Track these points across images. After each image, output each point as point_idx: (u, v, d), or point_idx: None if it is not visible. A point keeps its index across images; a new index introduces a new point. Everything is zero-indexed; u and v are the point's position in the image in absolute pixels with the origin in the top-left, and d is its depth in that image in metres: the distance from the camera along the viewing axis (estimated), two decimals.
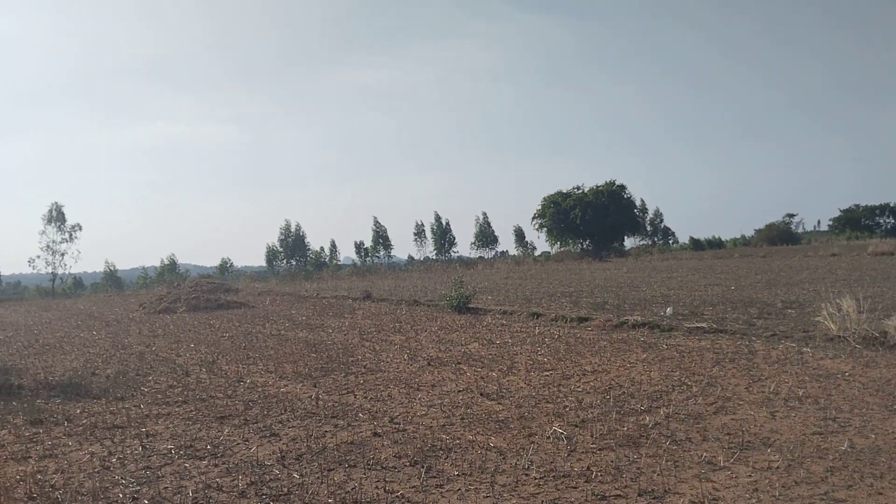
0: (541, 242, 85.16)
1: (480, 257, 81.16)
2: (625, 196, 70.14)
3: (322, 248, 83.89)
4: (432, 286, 30.71)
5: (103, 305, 34.58)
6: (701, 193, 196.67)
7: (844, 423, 7.33)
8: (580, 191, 70.59)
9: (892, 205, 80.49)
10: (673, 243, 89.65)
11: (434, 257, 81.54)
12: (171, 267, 75.77)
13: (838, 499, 5.35)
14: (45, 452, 7.68)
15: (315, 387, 10.65)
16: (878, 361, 10.22)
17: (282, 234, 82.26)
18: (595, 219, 67.10)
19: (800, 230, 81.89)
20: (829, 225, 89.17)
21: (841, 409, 7.83)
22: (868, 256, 39.23)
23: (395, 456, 6.92)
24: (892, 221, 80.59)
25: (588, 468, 6.25)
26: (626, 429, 7.43)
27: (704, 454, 6.51)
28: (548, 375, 10.53)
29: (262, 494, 6.00)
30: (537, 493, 5.72)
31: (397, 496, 5.82)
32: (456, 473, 6.30)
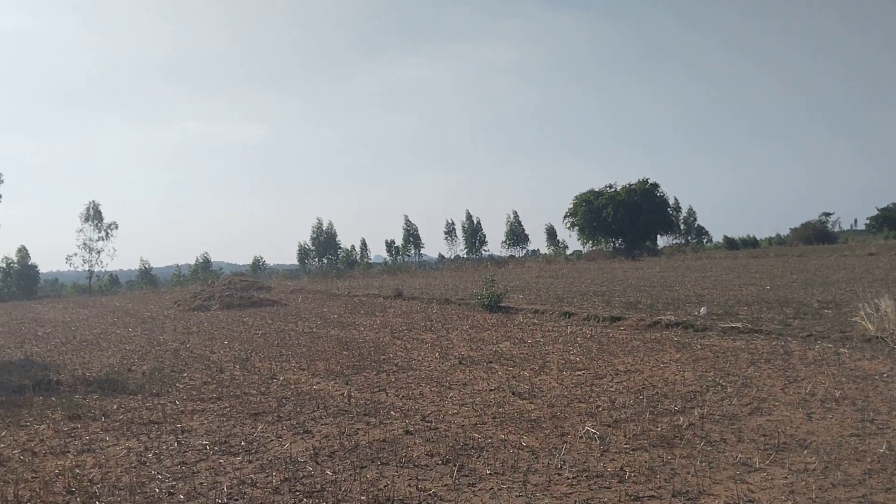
0: (572, 241, 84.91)
1: (511, 256, 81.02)
2: (658, 194, 69.56)
3: (353, 247, 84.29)
4: (463, 285, 30.70)
5: (139, 303, 35.07)
6: (735, 192, 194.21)
7: (882, 424, 7.20)
8: (612, 189, 70.14)
9: None
10: (707, 242, 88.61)
11: (465, 256, 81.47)
12: (205, 265, 76.49)
13: (876, 502, 5.26)
14: (83, 447, 7.82)
15: (347, 384, 10.71)
16: None
17: (314, 232, 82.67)
18: (627, 217, 66.65)
19: (836, 229, 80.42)
20: (866, 224, 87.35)
21: (879, 411, 7.69)
22: None
23: (427, 454, 6.93)
24: None
25: (621, 468, 6.21)
26: (659, 429, 7.37)
27: (739, 455, 6.44)
28: (580, 375, 10.48)
29: (296, 491, 6.04)
30: (570, 493, 5.69)
31: (429, 494, 5.83)
32: (488, 472, 6.30)
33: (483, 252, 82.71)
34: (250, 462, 6.95)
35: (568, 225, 73.13)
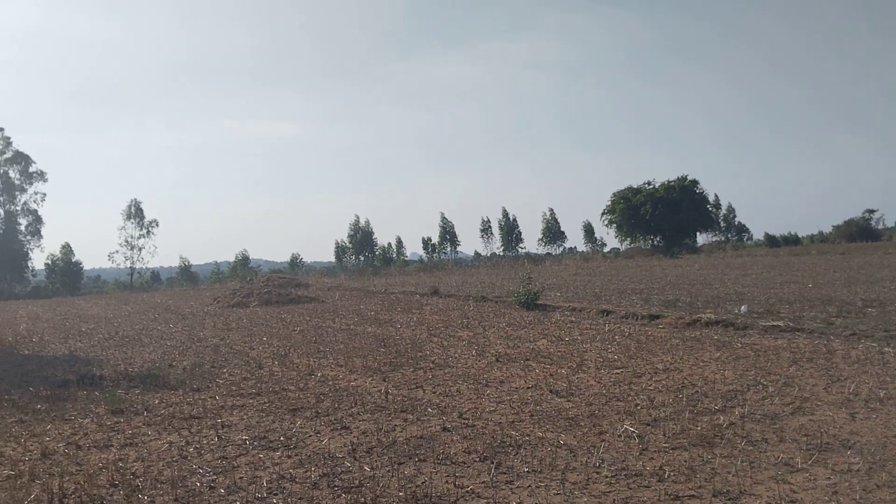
0: (610, 238, 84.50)
1: (548, 254, 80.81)
2: (697, 191, 68.81)
3: (389, 244, 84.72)
4: (499, 282, 30.65)
5: (179, 299, 35.61)
6: (777, 189, 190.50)
7: None
8: (651, 186, 69.54)
9: None
10: (747, 240, 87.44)
11: (501, 254, 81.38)
12: (244, 262, 77.52)
13: None
14: (125, 441, 7.96)
15: (384, 381, 10.75)
16: None
17: (351, 229, 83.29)
18: (666, 214, 66.01)
19: (880, 226, 78.68)
20: None
21: None
22: None
23: (464, 451, 6.93)
24: None
25: (661, 467, 6.15)
26: (699, 428, 7.28)
27: (781, 455, 6.34)
28: (618, 373, 10.41)
29: (334, 486, 6.09)
30: (609, 492, 5.65)
31: (467, 491, 5.83)
32: (526, 470, 6.28)
33: (519, 250, 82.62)
34: (289, 457, 7.02)
35: (606, 222, 72.76)
